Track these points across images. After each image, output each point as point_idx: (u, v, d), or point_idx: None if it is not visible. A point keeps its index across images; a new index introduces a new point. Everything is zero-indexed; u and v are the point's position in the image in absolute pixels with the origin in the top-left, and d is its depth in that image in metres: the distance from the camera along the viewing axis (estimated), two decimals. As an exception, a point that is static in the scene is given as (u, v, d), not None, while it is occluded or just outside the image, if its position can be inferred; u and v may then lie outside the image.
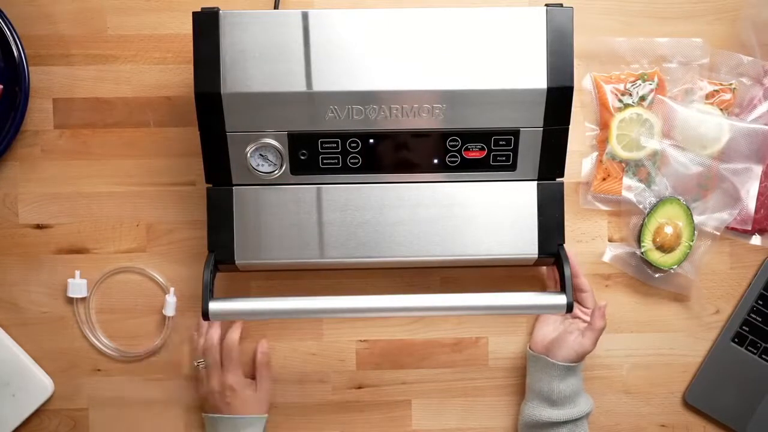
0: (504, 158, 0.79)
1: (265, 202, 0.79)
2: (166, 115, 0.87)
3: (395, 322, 0.90)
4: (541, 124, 0.77)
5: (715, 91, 0.87)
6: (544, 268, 0.89)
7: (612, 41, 0.87)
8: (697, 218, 0.87)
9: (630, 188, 0.87)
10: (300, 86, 0.75)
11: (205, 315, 0.76)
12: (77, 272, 0.87)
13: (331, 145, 0.78)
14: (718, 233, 0.88)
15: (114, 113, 0.87)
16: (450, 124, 0.77)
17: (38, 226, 0.88)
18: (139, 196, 0.88)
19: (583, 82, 0.88)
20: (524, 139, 0.78)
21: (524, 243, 0.80)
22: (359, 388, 0.90)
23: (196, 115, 0.76)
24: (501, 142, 0.78)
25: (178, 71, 0.87)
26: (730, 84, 0.87)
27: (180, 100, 0.87)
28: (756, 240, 0.90)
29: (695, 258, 0.88)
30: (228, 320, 0.87)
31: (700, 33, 0.88)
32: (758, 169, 0.88)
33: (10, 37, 0.84)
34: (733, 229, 0.89)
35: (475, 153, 0.79)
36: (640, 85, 0.87)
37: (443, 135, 0.78)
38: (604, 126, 0.88)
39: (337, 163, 0.78)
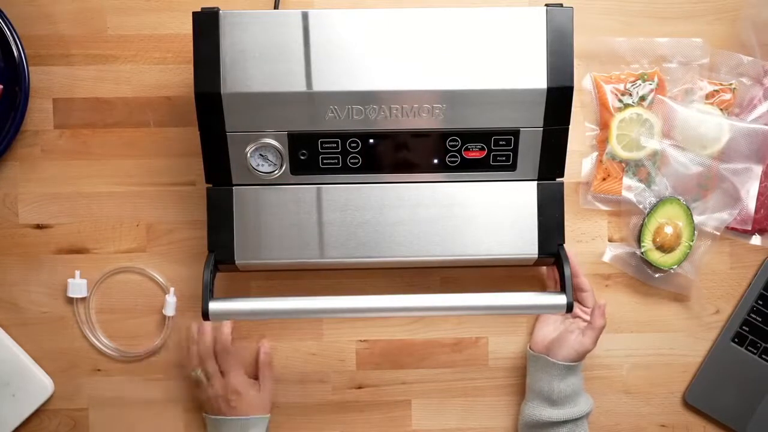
0: (504, 158, 0.79)
1: (265, 202, 0.79)
2: (166, 115, 0.87)
3: (395, 322, 0.90)
4: (541, 124, 0.77)
5: (715, 91, 0.87)
6: (544, 268, 0.89)
7: (612, 41, 0.87)
8: (697, 218, 0.87)
9: (630, 188, 0.87)
10: (300, 86, 0.75)
11: (205, 315, 0.76)
12: (77, 272, 0.87)
13: (331, 145, 0.78)
14: (718, 233, 0.88)
15: (114, 113, 0.87)
16: (450, 124, 0.77)
17: (38, 226, 0.88)
18: (139, 196, 0.88)
19: (583, 82, 0.88)
20: (524, 139, 0.78)
21: (524, 243, 0.80)
22: (359, 388, 0.90)
23: (196, 115, 0.76)
24: (501, 142, 0.78)
25: (178, 71, 0.87)
26: (730, 84, 0.87)
27: (180, 100, 0.87)
28: (756, 240, 0.90)
29: (695, 258, 0.88)
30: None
31: (700, 33, 0.88)
32: (758, 169, 0.88)
33: (10, 37, 0.84)
34: (733, 229, 0.89)
35: (475, 153, 0.79)
36: (640, 85, 0.87)
37: (443, 135, 0.78)
38: (604, 126, 0.88)
39: (337, 163, 0.78)
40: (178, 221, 0.88)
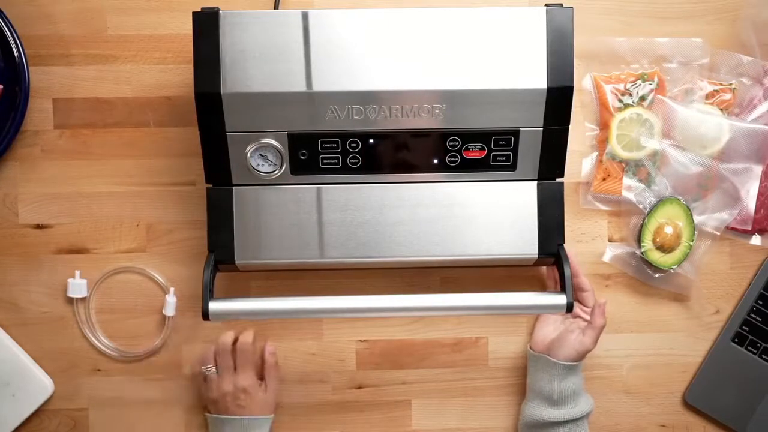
0: (504, 158, 0.79)
1: (265, 202, 0.79)
2: (166, 115, 0.87)
3: (395, 322, 0.90)
4: (541, 124, 0.77)
5: (715, 91, 0.87)
6: (544, 268, 0.89)
7: (612, 41, 0.87)
8: (697, 218, 0.87)
9: (630, 188, 0.87)
10: (300, 86, 0.75)
11: (205, 315, 0.76)
12: (77, 272, 0.87)
13: (331, 145, 0.78)
14: (718, 233, 0.88)
15: (114, 113, 0.87)
16: (450, 124, 0.77)
17: (38, 226, 0.88)
18: (139, 196, 0.88)
19: (583, 82, 0.88)
20: (524, 139, 0.78)
21: (524, 243, 0.80)
22: (359, 388, 0.90)
23: (196, 115, 0.76)
24: (501, 142, 0.78)
25: (178, 71, 0.87)
26: (730, 84, 0.87)
27: (180, 100, 0.87)
28: (756, 240, 0.90)
29: (695, 258, 0.88)
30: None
31: (700, 33, 0.88)
32: (758, 169, 0.88)
33: (10, 37, 0.84)
34: (733, 229, 0.89)
35: (475, 153, 0.79)
36: (640, 85, 0.87)
37: (443, 135, 0.78)
38: (604, 126, 0.88)
39: (337, 163, 0.78)
40: (178, 221, 0.88)
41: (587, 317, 0.85)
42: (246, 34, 0.75)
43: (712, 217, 0.88)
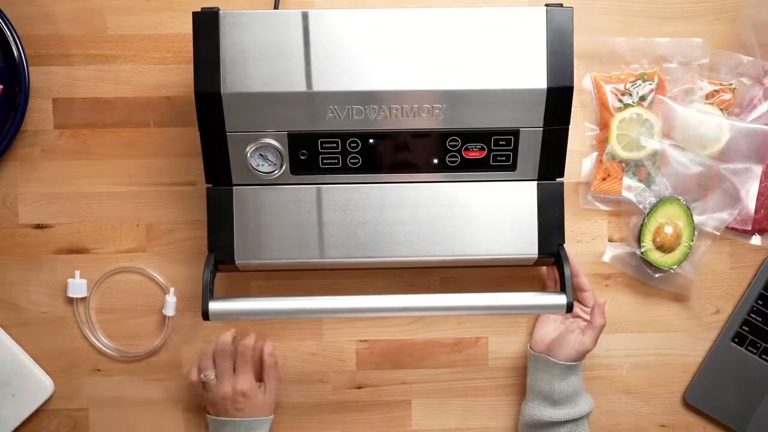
0: (504, 158, 0.79)
1: (265, 202, 0.79)
2: (166, 115, 0.87)
3: (395, 322, 0.90)
4: (541, 124, 0.77)
5: (715, 91, 0.87)
6: (544, 268, 0.89)
7: (612, 41, 0.87)
8: (697, 218, 0.87)
9: (630, 188, 0.87)
10: (300, 86, 0.75)
11: (205, 315, 0.76)
12: (77, 272, 0.87)
13: (331, 145, 0.78)
14: (718, 233, 0.88)
15: (114, 113, 0.87)
16: (450, 124, 0.77)
17: (38, 226, 0.88)
18: (139, 196, 0.88)
19: (583, 82, 0.88)
20: (524, 139, 0.78)
21: (524, 243, 0.80)
22: (359, 388, 0.90)
23: (196, 115, 0.76)
24: (501, 142, 0.78)
25: (178, 71, 0.87)
26: (730, 84, 0.87)
27: (180, 100, 0.87)
28: (756, 240, 0.90)
29: (695, 258, 0.88)
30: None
31: (700, 33, 0.88)
32: (758, 169, 0.88)
33: (10, 37, 0.84)
34: (733, 229, 0.89)
35: (475, 153, 0.79)
36: (640, 85, 0.87)
37: (443, 135, 0.78)
38: (604, 126, 0.88)
39: (337, 163, 0.78)
40: (178, 221, 0.88)
41: (587, 317, 0.85)
42: (246, 34, 0.75)
43: (712, 217, 0.88)
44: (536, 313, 0.88)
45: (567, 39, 0.76)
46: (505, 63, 0.75)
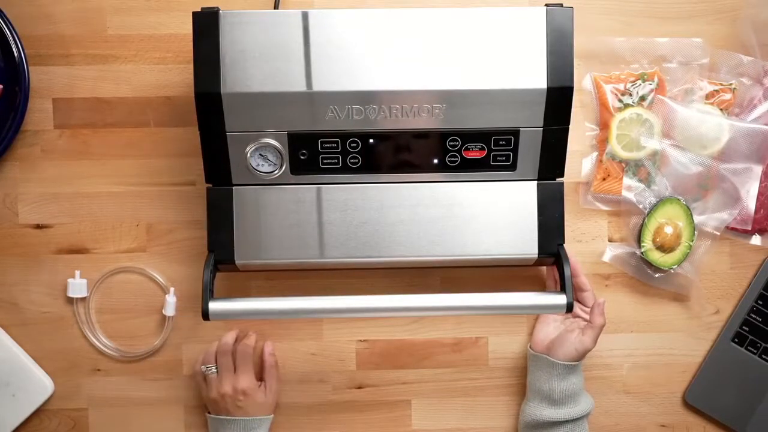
0: (504, 158, 0.79)
1: (265, 202, 0.79)
2: (166, 115, 0.87)
3: (395, 322, 0.90)
4: (541, 124, 0.77)
5: (715, 91, 0.87)
6: (544, 268, 0.89)
7: (612, 41, 0.87)
8: (697, 218, 0.87)
9: (630, 188, 0.87)
10: (300, 86, 0.75)
11: (205, 315, 0.76)
12: (77, 272, 0.87)
13: (331, 145, 0.78)
14: (718, 233, 0.88)
15: (114, 113, 0.87)
16: (450, 124, 0.77)
17: (38, 226, 0.88)
18: (139, 196, 0.88)
19: (583, 82, 0.88)
20: (524, 139, 0.78)
21: (524, 243, 0.80)
22: (359, 388, 0.90)
23: (196, 115, 0.76)
24: (501, 142, 0.78)
25: (178, 71, 0.87)
26: (730, 84, 0.87)
27: (180, 100, 0.87)
28: (756, 240, 0.90)
29: (695, 258, 0.88)
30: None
31: (700, 33, 0.88)
32: (758, 169, 0.88)
33: (10, 37, 0.84)
34: (733, 229, 0.89)
35: (475, 153, 0.79)
36: (640, 85, 0.87)
37: (443, 135, 0.78)
38: (604, 126, 0.88)
39: (337, 163, 0.78)
40: (178, 221, 0.88)
41: (587, 317, 0.85)
42: (246, 34, 0.75)
43: (712, 217, 0.88)
44: (536, 313, 0.88)
45: (567, 39, 0.76)
46: (505, 63, 0.75)
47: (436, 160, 0.79)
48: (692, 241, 0.86)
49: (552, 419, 0.83)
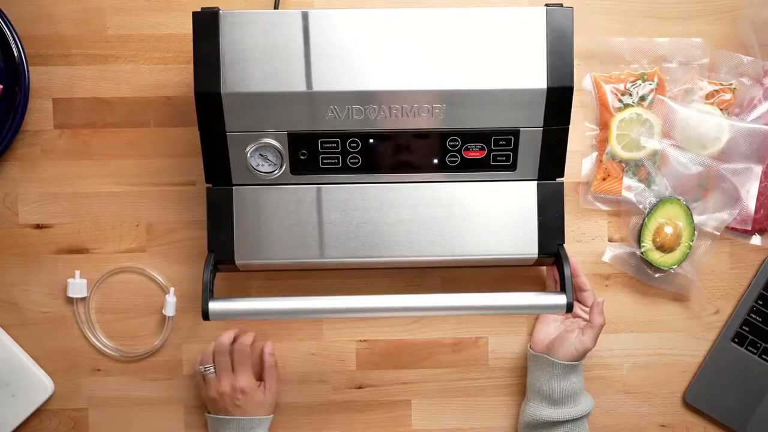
0: (504, 158, 0.79)
1: (265, 202, 0.79)
2: (166, 115, 0.87)
3: (395, 322, 0.90)
4: (541, 124, 0.77)
5: (715, 91, 0.87)
6: (544, 268, 0.89)
7: (612, 41, 0.87)
8: (697, 218, 0.87)
9: (630, 188, 0.87)
10: (300, 86, 0.75)
11: (205, 315, 0.76)
12: (77, 272, 0.87)
13: (331, 145, 0.78)
14: (718, 233, 0.88)
15: (114, 113, 0.87)
16: (450, 124, 0.77)
17: (38, 226, 0.88)
18: (139, 196, 0.88)
19: (583, 82, 0.88)
20: (524, 139, 0.78)
21: (524, 243, 0.80)
22: (359, 388, 0.90)
23: (196, 115, 0.76)
24: (501, 142, 0.78)
25: (178, 71, 0.87)
26: (730, 84, 0.87)
27: (180, 100, 0.87)
28: (756, 240, 0.90)
29: (695, 258, 0.88)
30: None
31: (700, 33, 0.88)
32: (758, 169, 0.88)
33: (10, 37, 0.84)
34: (733, 229, 0.89)
35: (475, 153, 0.79)
36: (640, 85, 0.87)
37: (443, 135, 0.78)
38: (604, 126, 0.88)
39: (337, 163, 0.78)
40: (178, 221, 0.88)
41: (587, 317, 0.85)
42: (246, 34, 0.75)
43: (712, 217, 0.88)
44: (536, 313, 0.88)
45: (567, 39, 0.76)
46: (505, 63, 0.75)
47: (436, 160, 0.79)
48: (692, 241, 0.86)
49: (552, 419, 0.83)
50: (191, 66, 0.76)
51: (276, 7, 0.86)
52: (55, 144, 0.87)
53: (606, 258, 0.89)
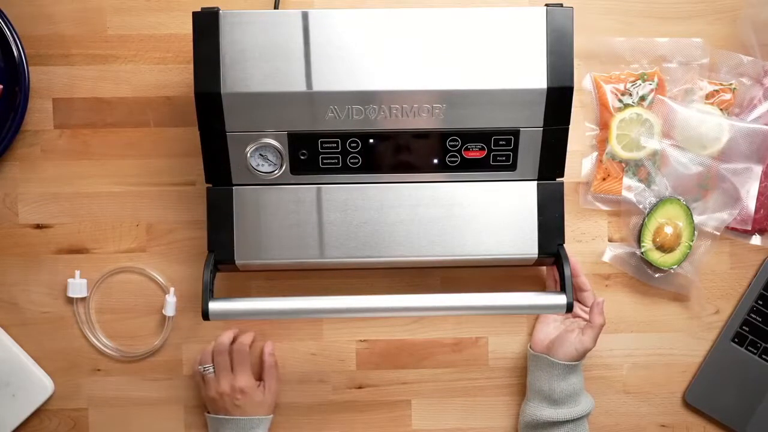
0: (504, 158, 0.79)
1: (265, 202, 0.79)
2: (166, 115, 0.87)
3: (395, 322, 0.90)
4: (541, 124, 0.77)
5: (715, 91, 0.87)
6: (544, 268, 0.89)
7: (612, 41, 0.87)
8: (697, 218, 0.87)
9: (630, 188, 0.87)
10: (300, 86, 0.75)
11: (205, 315, 0.76)
12: (77, 272, 0.87)
13: (331, 145, 0.78)
14: (718, 233, 0.88)
15: (114, 113, 0.87)
16: (450, 124, 0.77)
17: (38, 226, 0.88)
18: (139, 196, 0.88)
19: (583, 82, 0.88)
20: (524, 139, 0.78)
21: (524, 243, 0.80)
22: (359, 388, 0.90)
23: (196, 115, 0.76)
24: (501, 142, 0.78)
25: (178, 71, 0.87)
26: (730, 84, 0.87)
27: (180, 100, 0.87)
28: (756, 240, 0.90)
29: (695, 258, 0.88)
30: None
31: (700, 33, 0.88)
32: (758, 169, 0.88)
33: (10, 37, 0.84)
34: (733, 229, 0.89)
35: (475, 153, 0.79)
36: (640, 85, 0.87)
37: (443, 135, 0.78)
38: (604, 126, 0.88)
39: (337, 163, 0.78)
40: (178, 221, 0.88)
41: (587, 316, 0.85)
42: (246, 34, 0.75)
43: (712, 217, 0.88)
44: (536, 313, 0.88)
45: (567, 39, 0.76)
46: (505, 63, 0.75)
47: (436, 160, 0.79)
48: (692, 241, 0.86)
49: (552, 419, 0.83)
50: (191, 66, 0.76)
51: (276, 7, 0.86)
52: (55, 144, 0.87)
53: (606, 258, 0.89)
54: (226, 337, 0.85)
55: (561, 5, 0.76)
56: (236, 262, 0.80)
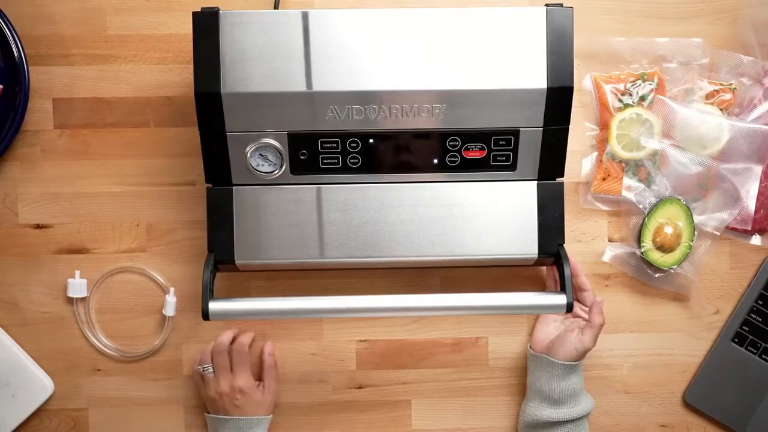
0: (504, 158, 0.79)
1: (265, 202, 0.79)
2: (166, 115, 0.87)
3: (395, 322, 0.90)
4: (541, 124, 0.77)
5: (715, 91, 0.87)
6: (544, 268, 0.89)
7: (612, 41, 0.87)
8: (697, 218, 0.87)
9: (630, 188, 0.87)
10: (300, 86, 0.75)
11: (205, 315, 0.76)
12: (77, 272, 0.87)
13: (331, 145, 0.78)
14: (718, 233, 0.88)
15: (114, 113, 0.87)
16: (450, 124, 0.77)
17: (38, 226, 0.88)
18: (139, 196, 0.88)
19: (583, 82, 0.88)
20: (524, 139, 0.78)
21: (524, 243, 0.80)
22: (359, 388, 0.90)
23: (196, 115, 0.76)
24: (501, 142, 0.78)
25: (178, 71, 0.87)
26: (730, 84, 0.87)
27: (180, 100, 0.87)
28: (756, 240, 0.90)
29: (695, 258, 0.88)
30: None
31: (700, 33, 0.88)
32: (758, 169, 0.88)
33: (10, 37, 0.84)
34: (733, 229, 0.89)
35: (475, 153, 0.79)
36: (640, 85, 0.87)
37: (443, 135, 0.78)
38: (604, 126, 0.88)
39: (337, 163, 0.78)
40: (178, 221, 0.88)
41: (587, 316, 0.85)
42: (246, 34, 0.75)
43: (712, 217, 0.88)
44: (536, 313, 0.88)
45: (567, 39, 0.76)
46: (505, 63, 0.75)
47: (436, 160, 0.79)
48: (692, 241, 0.86)
49: (552, 419, 0.83)
50: (191, 66, 0.76)
51: (276, 7, 0.86)
52: (55, 144, 0.87)
53: (606, 258, 0.89)
54: (226, 337, 0.85)
55: (561, 5, 0.76)
56: (236, 262, 0.80)
